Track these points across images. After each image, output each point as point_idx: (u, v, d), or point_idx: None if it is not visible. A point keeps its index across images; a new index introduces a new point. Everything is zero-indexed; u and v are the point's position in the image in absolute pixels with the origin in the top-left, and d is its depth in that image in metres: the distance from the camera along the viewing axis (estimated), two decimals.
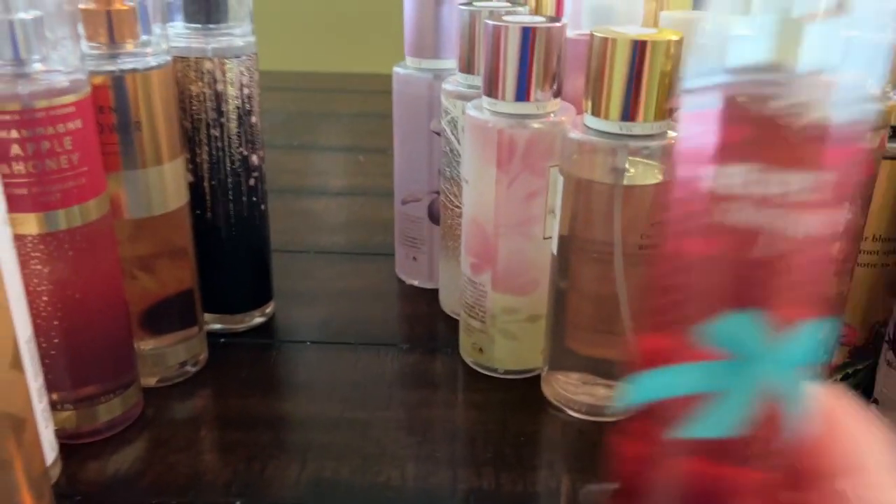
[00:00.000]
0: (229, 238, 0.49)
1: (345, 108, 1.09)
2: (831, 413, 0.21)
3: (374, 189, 0.78)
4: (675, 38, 0.37)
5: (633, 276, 0.40)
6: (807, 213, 0.17)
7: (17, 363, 0.31)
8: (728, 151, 0.18)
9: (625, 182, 0.38)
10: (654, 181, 0.38)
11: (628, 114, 0.37)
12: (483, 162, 0.43)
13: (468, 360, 0.49)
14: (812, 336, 0.18)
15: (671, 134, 0.39)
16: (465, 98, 0.46)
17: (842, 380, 0.42)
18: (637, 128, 0.38)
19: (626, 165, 0.38)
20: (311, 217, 0.72)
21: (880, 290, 0.41)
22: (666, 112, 0.38)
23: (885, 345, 0.41)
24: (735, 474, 0.19)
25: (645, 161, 0.38)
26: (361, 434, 0.42)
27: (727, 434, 0.19)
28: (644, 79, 0.37)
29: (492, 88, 0.41)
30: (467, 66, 0.48)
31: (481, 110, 0.42)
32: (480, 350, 0.47)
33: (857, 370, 0.42)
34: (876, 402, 0.42)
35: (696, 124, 0.19)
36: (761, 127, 0.18)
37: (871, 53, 0.18)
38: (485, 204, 0.43)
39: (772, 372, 0.18)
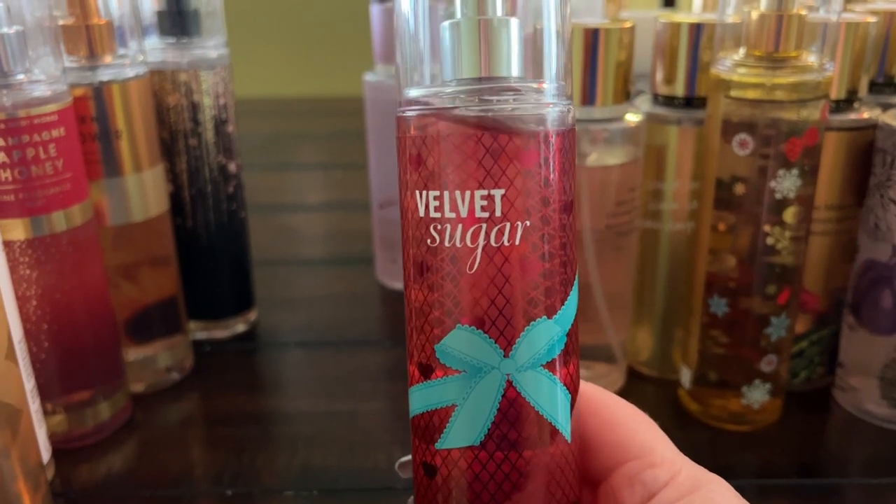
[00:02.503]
0: (210, 245, 0.50)
1: (320, 129, 1.11)
2: (602, 407, 0.22)
3: (352, 202, 0.79)
4: (627, 25, 0.39)
5: (603, 259, 0.42)
6: (497, 227, 0.18)
7: (11, 354, 0.32)
8: (416, 176, 0.19)
9: (588, 164, 0.40)
10: (615, 162, 0.40)
11: (587, 99, 0.39)
12: None
13: None
14: (538, 338, 0.19)
15: (629, 117, 0.41)
16: None
17: (808, 346, 0.44)
18: (596, 112, 0.40)
19: (588, 149, 0.40)
20: (290, 231, 0.73)
21: (837, 257, 0.43)
22: (622, 95, 0.40)
23: (845, 310, 0.43)
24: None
25: (605, 143, 0.40)
26: (348, 424, 0.43)
27: (477, 441, 0.20)
28: (600, 64, 0.39)
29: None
30: None
31: None
32: None
33: (821, 336, 0.44)
34: (841, 365, 0.44)
35: (400, 139, 0.20)
36: (440, 147, 0.19)
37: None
38: None
39: (506, 378, 0.19)
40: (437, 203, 0.19)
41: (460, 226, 0.19)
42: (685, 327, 0.43)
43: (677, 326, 0.45)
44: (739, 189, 0.38)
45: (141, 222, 0.44)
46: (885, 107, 0.41)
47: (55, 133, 0.37)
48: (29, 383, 0.37)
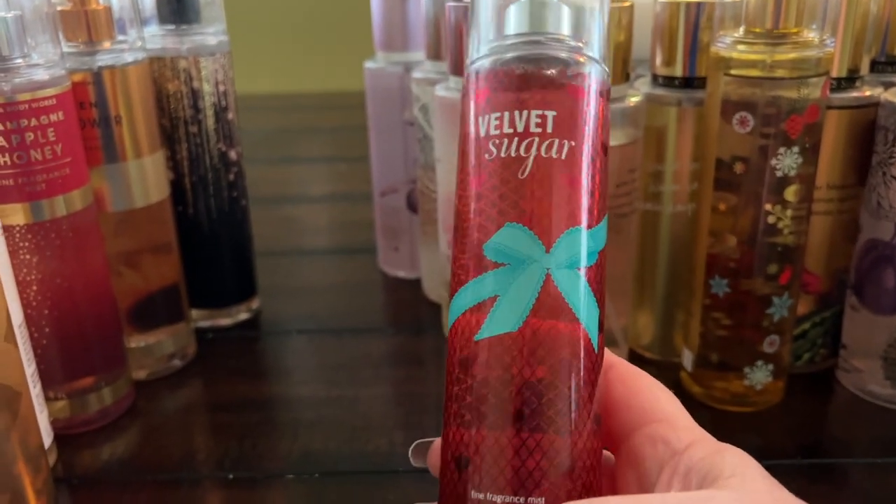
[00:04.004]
0: (211, 233, 0.50)
1: (323, 123, 1.11)
2: (629, 376, 0.24)
3: (354, 194, 0.79)
4: (626, 5, 0.39)
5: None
6: (547, 142, 0.21)
7: (10, 336, 0.32)
8: (481, 105, 0.22)
9: None
10: (616, 143, 0.40)
11: None
12: (454, 138, 0.44)
13: None
14: (575, 242, 0.21)
15: (629, 98, 0.40)
16: (434, 84, 0.48)
17: (811, 328, 0.44)
18: None
19: None
20: (293, 222, 0.73)
21: (839, 237, 0.42)
22: (622, 76, 0.40)
23: (848, 291, 0.43)
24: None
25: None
26: (349, 409, 0.43)
27: (515, 328, 0.21)
28: (609, 26, 0.38)
29: (457, 67, 0.43)
30: (435, 54, 0.49)
31: (449, 90, 0.44)
32: None
33: (824, 317, 0.44)
34: (844, 347, 0.43)
35: (466, 88, 0.23)
36: (502, 82, 0.22)
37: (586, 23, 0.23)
38: None
39: (546, 272, 0.21)
40: (497, 122, 0.22)
41: (516, 139, 0.22)
42: (686, 310, 0.43)
43: (678, 309, 0.45)
44: (739, 168, 0.38)
45: (142, 209, 0.44)
46: (888, 85, 0.40)
47: (54, 117, 0.37)
48: (30, 368, 0.37)
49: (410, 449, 0.26)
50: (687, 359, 0.43)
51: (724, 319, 0.40)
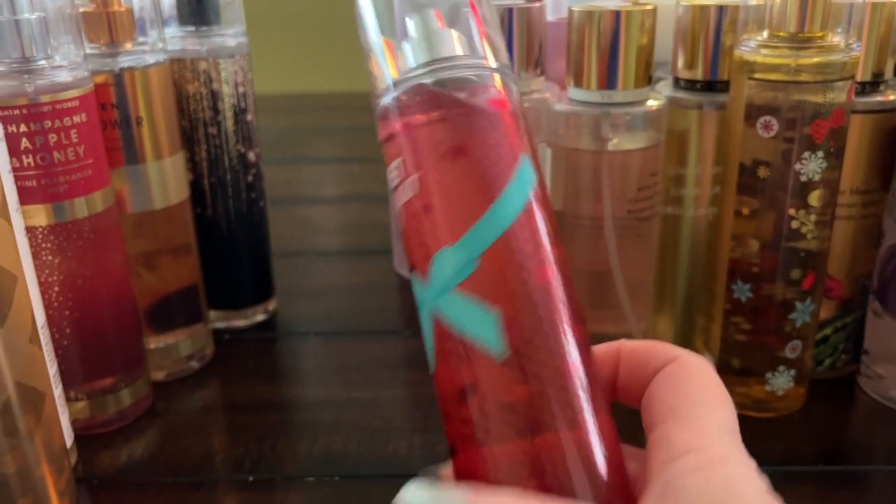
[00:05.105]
0: (230, 234, 0.50)
1: (337, 123, 1.11)
2: (682, 371, 0.22)
3: (370, 195, 0.79)
4: (648, 8, 0.39)
5: (624, 246, 0.42)
6: (402, 186, 0.22)
7: (35, 338, 0.32)
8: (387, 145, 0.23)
9: (609, 149, 0.40)
10: (636, 147, 0.40)
11: (609, 83, 0.39)
12: None
13: None
14: (441, 267, 0.21)
15: (651, 101, 0.40)
16: None
17: (832, 333, 0.44)
18: (618, 96, 0.39)
19: (610, 133, 0.40)
20: (308, 223, 0.73)
21: (862, 242, 0.42)
22: (644, 80, 0.40)
23: (871, 296, 0.42)
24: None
25: (627, 127, 0.40)
26: (368, 411, 0.43)
27: (431, 370, 0.21)
28: (622, 48, 0.38)
29: None
30: None
31: None
32: None
33: (845, 323, 0.43)
34: (866, 353, 0.43)
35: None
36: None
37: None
38: None
39: (431, 308, 0.21)
40: (392, 174, 0.23)
41: (396, 191, 0.22)
42: (707, 314, 0.43)
43: (699, 314, 0.45)
44: (763, 172, 0.37)
45: (161, 210, 0.44)
46: None
47: (77, 119, 0.37)
48: (52, 368, 0.37)
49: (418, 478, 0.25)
50: None
51: (745, 324, 0.40)
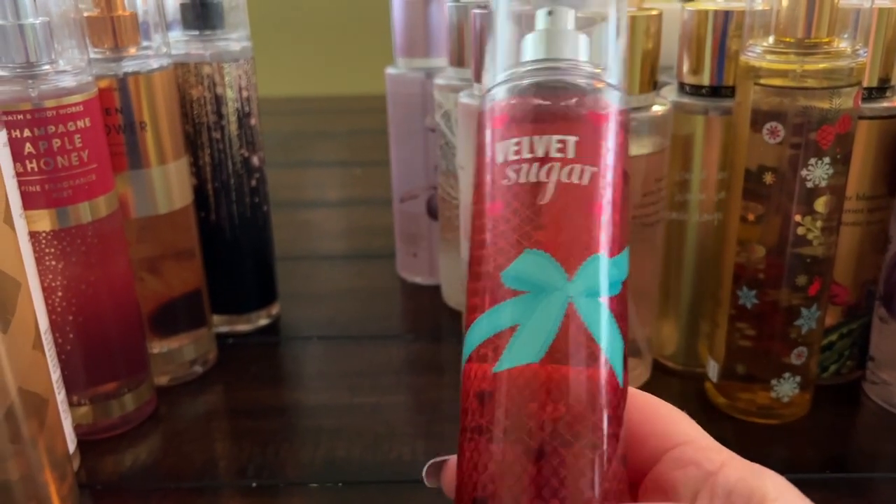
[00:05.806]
0: (233, 239, 0.50)
1: (340, 127, 1.11)
2: (642, 402, 0.23)
3: (373, 199, 0.79)
4: (654, 13, 0.38)
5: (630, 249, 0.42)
6: (568, 167, 0.21)
7: (38, 344, 0.32)
8: (498, 132, 0.22)
9: None
10: (643, 152, 0.40)
11: None
12: None
13: None
14: (597, 270, 0.21)
15: (656, 107, 0.40)
16: (457, 91, 0.48)
17: (838, 340, 0.43)
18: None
19: None
20: (311, 227, 0.73)
21: (868, 248, 0.42)
22: (649, 85, 0.39)
23: (876, 302, 0.42)
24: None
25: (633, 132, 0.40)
26: (371, 417, 0.43)
27: (536, 358, 0.20)
28: (627, 53, 0.38)
29: (481, 74, 0.43)
30: (458, 61, 0.49)
31: (473, 96, 0.44)
32: None
33: (851, 329, 0.43)
34: (872, 359, 0.43)
35: (483, 115, 0.23)
36: (521, 108, 0.22)
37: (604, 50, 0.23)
38: None
39: (568, 300, 0.20)
40: (516, 148, 0.21)
41: (536, 164, 0.21)
42: (712, 320, 0.43)
43: (703, 319, 0.45)
44: (769, 178, 0.37)
45: (165, 215, 0.44)
46: None
47: (81, 124, 0.37)
48: (55, 374, 0.37)
49: (424, 469, 0.25)
50: (712, 370, 0.43)
51: (750, 330, 0.40)
